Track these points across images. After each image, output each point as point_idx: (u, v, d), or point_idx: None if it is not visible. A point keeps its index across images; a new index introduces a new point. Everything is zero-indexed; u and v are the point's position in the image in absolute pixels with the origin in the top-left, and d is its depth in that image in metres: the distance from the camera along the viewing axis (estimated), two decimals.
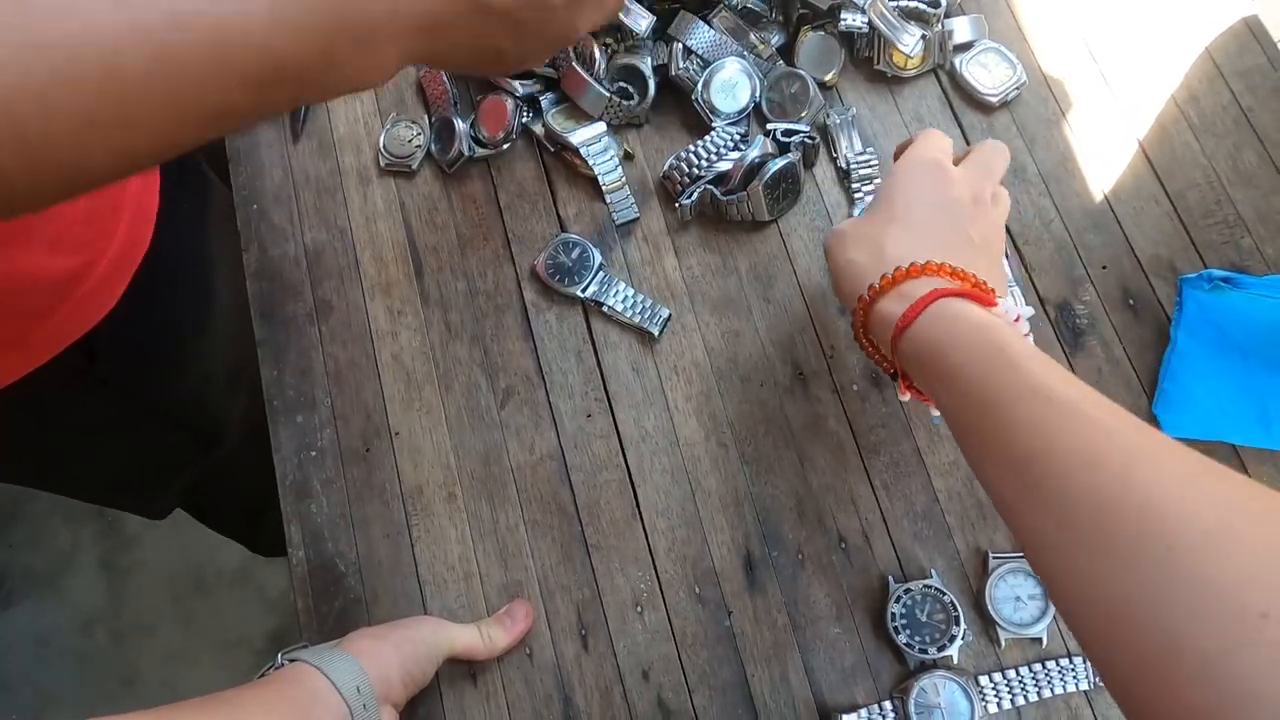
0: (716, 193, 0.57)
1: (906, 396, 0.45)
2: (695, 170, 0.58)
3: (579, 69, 0.60)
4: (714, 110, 0.59)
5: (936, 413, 0.54)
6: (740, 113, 0.59)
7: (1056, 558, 0.31)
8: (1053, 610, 0.50)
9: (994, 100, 0.59)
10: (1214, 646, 0.25)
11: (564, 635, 0.53)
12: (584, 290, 0.58)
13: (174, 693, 1.38)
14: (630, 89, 0.61)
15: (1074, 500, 0.30)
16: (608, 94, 0.59)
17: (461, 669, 0.52)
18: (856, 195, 0.59)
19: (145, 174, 0.61)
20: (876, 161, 0.59)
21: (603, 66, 0.61)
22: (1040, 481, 0.32)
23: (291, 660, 0.41)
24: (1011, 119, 0.60)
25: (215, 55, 0.32)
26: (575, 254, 0.59)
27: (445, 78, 0.64)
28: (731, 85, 0.60)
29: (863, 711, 0.50)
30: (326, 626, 0.54)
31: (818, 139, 0.59)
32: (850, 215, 0.59)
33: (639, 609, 0.53)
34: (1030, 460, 0.32)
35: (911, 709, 0.49)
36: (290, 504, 0.57)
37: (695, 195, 0.58)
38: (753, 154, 0.56)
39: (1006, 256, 0.57)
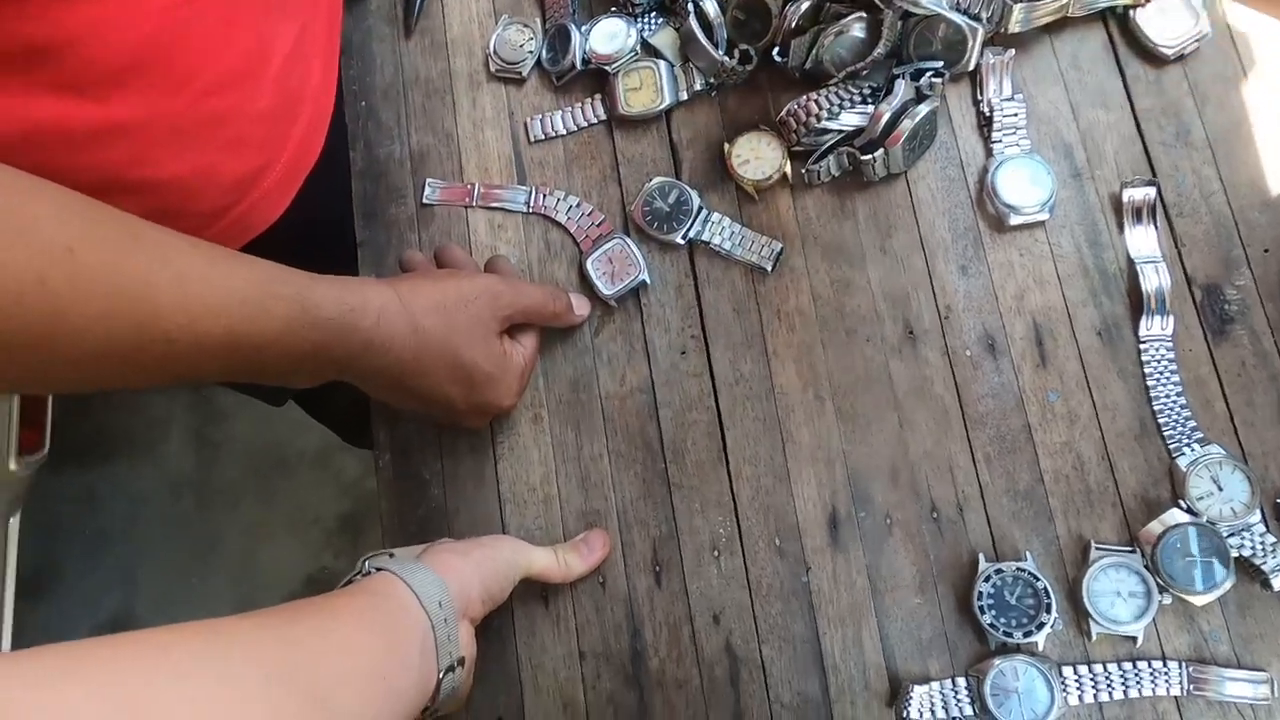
0: (857, 153, 0.53)
1: None
2: (813, 120, 0.54)
3: (696, 26, 0.55)
4: (836, 62, 0.54)
5: (1053, 390, 0.51)
6: (860, 68, 0.54)
7: None
8: (1154, 610, 0.47)
9: (1169, 53, 0.53)
10: None
11: (638, 569, 0.53)
12: (684, 236, 0.56)
13: (254, 562, 1.46)
14: (752, 41, 0.56)
15: None
16: (720, 58, 0.55)
17: (534, 589, 0.53)
18: (995, 143, 0.54)
19: (324, 72, 0.59)
20: (1024, 110, 0.54)
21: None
22: None
23: (378, 569, 0.42)
24: (1184, 74, 0.54)
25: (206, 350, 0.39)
26: (673, 197, 0.56)
27: None
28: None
29: (935, 685, 0.49)
30: (409, 532, 0.55)
31: (947, 75, 0.54)
32: (987, 166, 0.54)
33: (716, 553, 0.52)
34: None
35: (987, 690, 0.47)
36: (379, 408, 0.58)
37: (829, 157, 0.54)
38: (894, 102, 0.52)
39: (1155, 228, 0.52)
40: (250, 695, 0.29)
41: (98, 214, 0.36)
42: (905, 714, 0.48)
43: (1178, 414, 0.50)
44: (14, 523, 1.06)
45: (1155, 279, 0.51)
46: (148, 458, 1.52)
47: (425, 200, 0.60)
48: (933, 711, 0.48)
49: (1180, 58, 0.54)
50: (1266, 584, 0.47)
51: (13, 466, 1.03)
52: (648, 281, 0.56)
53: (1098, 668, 0.48)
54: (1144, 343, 0.51)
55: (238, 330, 0.39)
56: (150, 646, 0.28)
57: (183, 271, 0.37)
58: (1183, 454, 0.49)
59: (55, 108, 0.42)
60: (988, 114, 0.55)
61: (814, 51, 0.55)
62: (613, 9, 0.60)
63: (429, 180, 0.61)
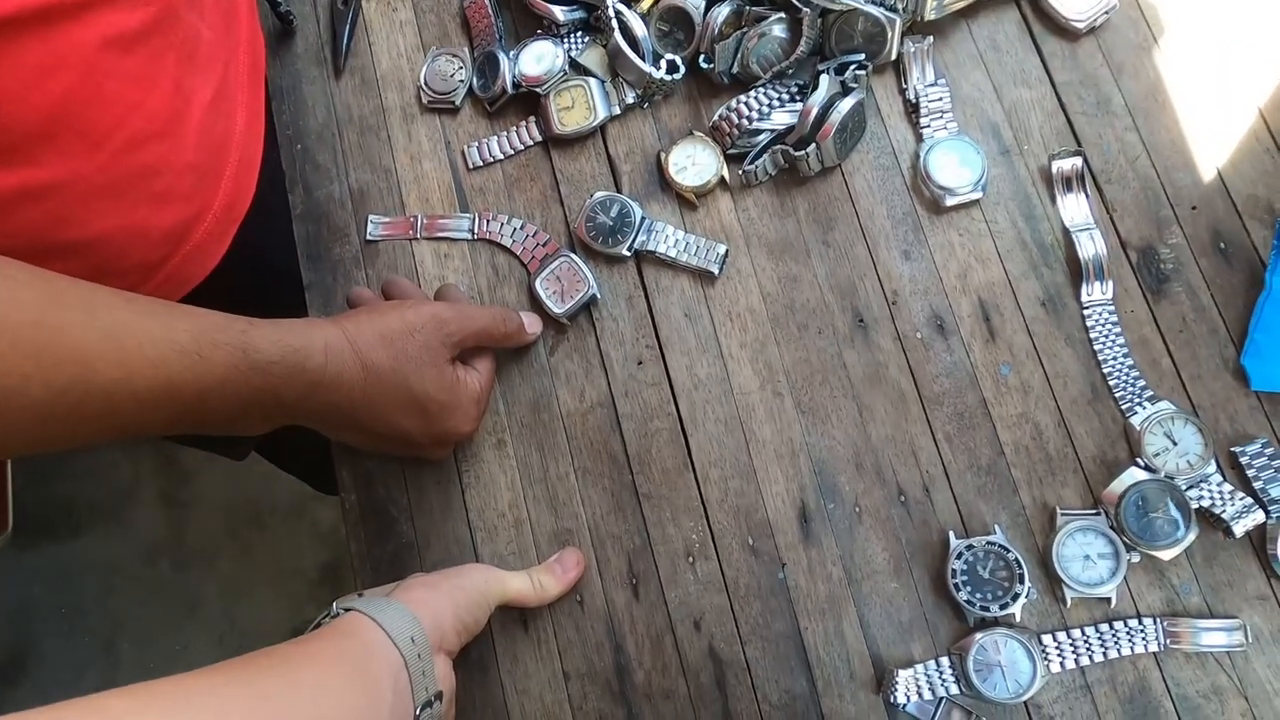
0: (790, 150, 0.54)
1: None
2: (745, 122, 0.55)
3: (621, 41, 0.56)
4: (762, 64, 0.55)
5: (1005, 364, 0.52)
6: (786, 68, 0.55)
7: None
8: (1124, 570, 0.48)
9: (1081, 26, 0.55)
10: None
11: (615, 584, 0.53)
12: (629, 248, 0.56)
13: (235, 619, 1.43)
14: (677, 50, 0.57)
15: None
16: (648, 71, 0.56)
17: (513, 615, 0.52)
18: (923, 129, 0.55)
19: (249, 120, 0.58)
20: (949, 94, 0.55)
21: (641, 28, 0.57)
22: None
23: (347, 610, 0.41)
24: (1098, 46, 0.56)
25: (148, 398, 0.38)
26: (614, 211, 0.57)
27: (490, 8, 0.62)
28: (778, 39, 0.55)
29: (919, 667, 0.49)
30: (380, 570, 0.55)
31: (870, 67, 0.55)
32: (918, 151, 0.55)
33: (690, 559, 0.52)
34: None
35: (970, 666, 0.48)
36: (340, 448, 0.57)
37: (764, 157, 0.55)
38: (820, 97, 0.52)
39: (1086, 196, 0.53)
40: None
41: (19, 274, 0.35)
42: (892, 699, 0.48)
43: (1126, 374, 0.51)
44: None
45: (1091, 246, 0.52)
46: (118, 525, 1.49)
47: (369, 237, 0.60)
48: (919, 693, 0.48)
49: (1092, 30, 0.56)
50: (1229, 532, 0.48)
51: None
52: (598, 296, 0.56)
53: (1076, 633, 0.48)
54: (1087, 309, 0.52)
55: (177, 381, 0.38)
56: (105, 714, 0.27)
57: (114, 326, 0.36)
58: (1135, 413, 0.50)
59: None
60: (914, 101, 0.56)
61: (739, 55, 0.56)
62: (538, 31, 0.61)
63: (371, 217, 0.60)
